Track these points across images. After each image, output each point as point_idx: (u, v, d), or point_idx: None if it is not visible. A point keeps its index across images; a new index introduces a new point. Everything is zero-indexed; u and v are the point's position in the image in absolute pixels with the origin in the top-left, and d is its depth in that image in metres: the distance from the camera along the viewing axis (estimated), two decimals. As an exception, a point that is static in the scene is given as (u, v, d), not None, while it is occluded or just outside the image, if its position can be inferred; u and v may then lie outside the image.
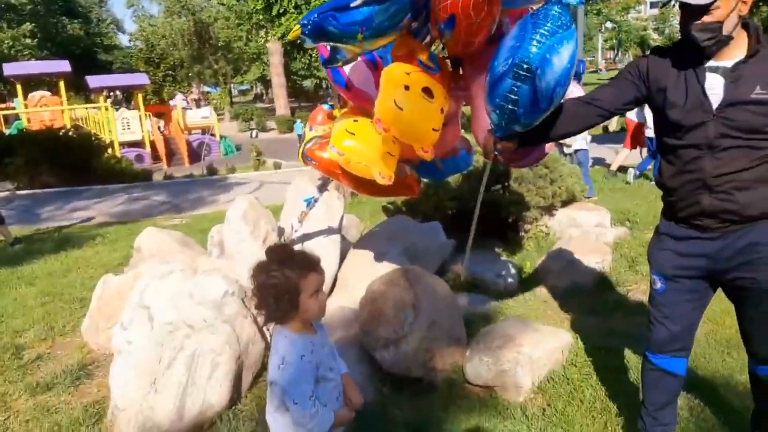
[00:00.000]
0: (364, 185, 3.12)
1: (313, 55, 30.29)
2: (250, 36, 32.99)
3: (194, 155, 20.23)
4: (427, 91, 2.46)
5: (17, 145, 13.23)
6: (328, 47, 2.56)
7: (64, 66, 21.12)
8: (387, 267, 3.85)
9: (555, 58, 2.03)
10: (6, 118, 20.38)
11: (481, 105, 2.56)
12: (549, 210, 5.73)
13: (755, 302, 2.19)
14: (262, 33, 29.80)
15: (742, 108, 2.03)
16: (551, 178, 5.55)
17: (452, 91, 2.67)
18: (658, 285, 2.35)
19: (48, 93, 21.96)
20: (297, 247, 3.34)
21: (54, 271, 6.05)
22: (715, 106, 2.07)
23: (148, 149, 20.01)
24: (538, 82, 2.02)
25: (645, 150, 9.40)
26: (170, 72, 37.86)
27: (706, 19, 2.00)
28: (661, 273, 2.34)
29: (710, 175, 2.11)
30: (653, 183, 7.43)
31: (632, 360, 3.31)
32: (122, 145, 19.49)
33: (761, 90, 2.01)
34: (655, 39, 46.97)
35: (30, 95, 21.10)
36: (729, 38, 2.04)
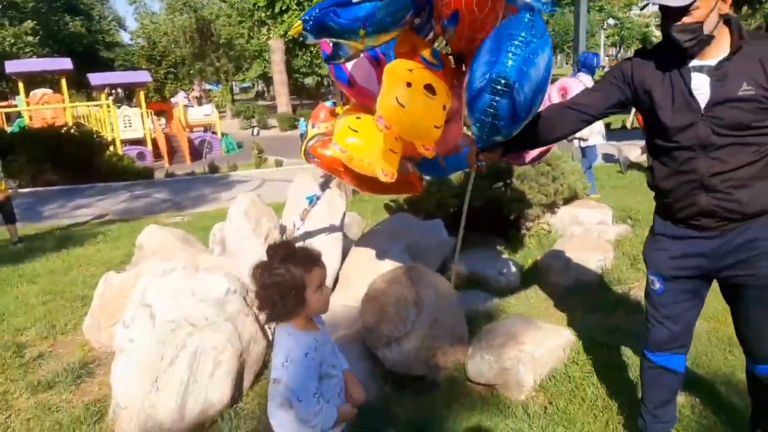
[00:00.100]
0: (367, 183, 3.11)
1: (315, 52, 30.24)
2: (251, 33, 32.92)
3: (196, 153, 20.22)
4: (430, 88, 2.44)
5: (19, 143, 13.25)
6: (331, 43, 2.55)
7: (65, 63, 21.13)
8: (389, 265, 3.84)
9: (532, 69, 2.03)
10: (8, 116, 20.41)
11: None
12: (551, 207, 5.72)
13: (753, 300, 2.18)
14: (264, 30, 29.75)
15: (730, 106, 2.02)
16: (553, 175, 5.54)
17: (455, 88, 2.66)
18: (657, 285, 2.34)
19: (50, 91, 21.98)
20: (298, 244, 3.34)
21: (55, 269, 6.05)
22: (702, 105, 2.06)
23: (149, 147, 20.02)
24: (517, 95, 2.02)
25: None
26: (172, 69, 37.85)
27: (686, 20, 1.99)
28: (659, 273, 2.33)
29: (706, 174, 2.10)
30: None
31: (634, 358, 3.30)
32: (124, 142, 19.51)
33: (747, 86, 2.00)
34: (657, 36, 46.85)
35: (32, 93, 21.12)
36: (710, 37, 2.02)
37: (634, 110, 3.05)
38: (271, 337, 3.53)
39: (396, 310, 3.27)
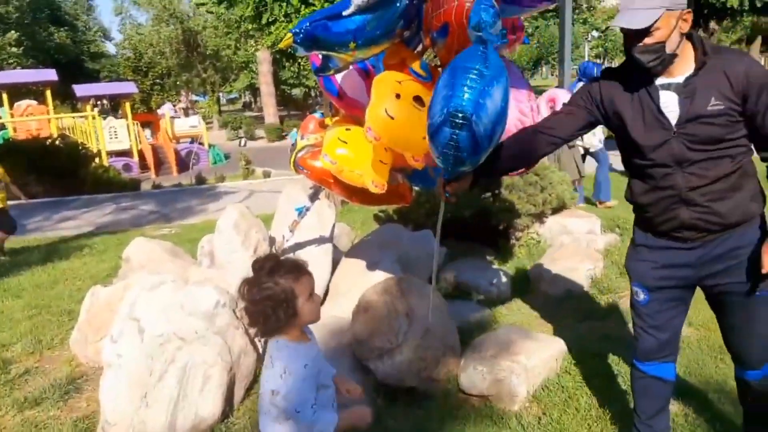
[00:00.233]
0: (357, 194, 3.10)
1: (302, 63, 30.29)
2: (238, 45, 32.95)
3: (183, 164, 20.12)
4: (419, 100, 2.45)
5: (3, 154, 13.06)
6: (320, 56, 2.55)
7: (50, 75, 20.99)
8: (379, 276, 3.83)
9: (488, 101, 2.03)
10: (-8, 128, 20.21)
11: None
12: (539, 217, 5.74)
13: (738, 307, 2.20)
14: (251, 42, 29.77)
15: (701, 122, 2.04)
16: (541, 185, 5.56)
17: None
18: (641, 297, 2.36)
19: (34, 102, 21.79)
20: (287, 255, 3.31)
21: (41, 283, 5.96)
22: (673, 122, 2.08)
23: (136, 158, 19.89)
24: (476, 127, 2.03)
25: None
26: (158, 81, 37.72)
27: (647, 40, 2.00)
28: (642, 284, 2.35)
29: (684, 189, 2.12)
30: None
31: (626, 366, 3.31)
32: (110, 154, 19.35)
33: (716, 101, 2.02)
34: (641, 46, 47.20)
35: (16, 104, 20.93)
36: (674, 56, 2.04)
37: None
38: (261, 350, 3.50)
39: (387, 321, 3.25)
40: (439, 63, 2.75)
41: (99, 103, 24.91)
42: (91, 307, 3.97)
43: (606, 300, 4.47)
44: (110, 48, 49.44)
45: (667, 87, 2.09)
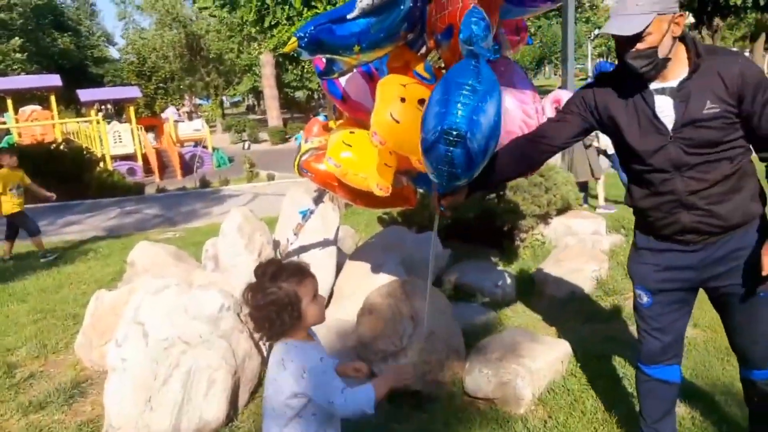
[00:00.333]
0: (361, 197, 3.10)
1: (305, 66, 30.30)
2: (241, 48, 32.98)
3: (187, 168, 20.15)
4: (423, 103, 2.44)
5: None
6: (324, 59, 2.55)
7: (54, 80, 21.01)
8: (384, 278, 3.82)
9: (481, 117, 2.02)
10: (-4, 133, 20.26)
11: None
12: (544, 218, 5.72)
13: (742, 308, 2.19)
14: (254, 45, 29.81)
15: (697, 125, 2.02)
16: (546, 186, 5.54)
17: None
18: (644, 299, 2.35)
19: (39, 107, 21.84)
20: (293, 259, 3.31)
21: (46, 288, 5.98)
22: (670, 127, 2.06)
23: (140, 162, 19.92)
24: (470, 143, 2.02)
25: None
26: (162, 85, 37.79)
27: (639, 46, 1.99)
28: (645, 287, 2.33)
29: (684, 194, 2.11)
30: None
31: (632, 368, 3.28)
32: (114, 158, 19.38)
33: (711, 104, 2.00)
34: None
35: (21, 110, 20.96)
36: (667, 60, 2.02)
37: None
38: (266, 353, 3.49)
39: (392, 324, 3.24)
40: (443, 65, 2.74)
41: (103, 107, 24.93)
42: (96, 311, 3.97)
43: (611, 301, 4.44)
44: (114, 53, 49.62)
45: (661, 91, 2.07)
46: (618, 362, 3.46)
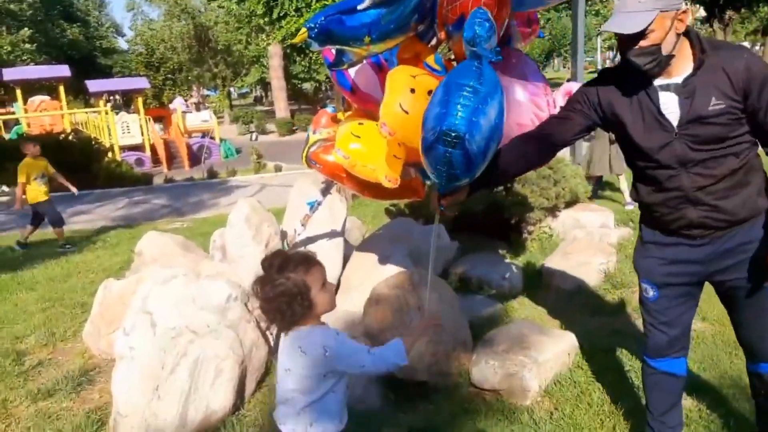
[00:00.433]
0: (369, 188, 3.09)
1: (313, 58, 30.24)
2: (249, 39, 32.93)
3: (194, 158, 20.17)
4: (433, 94, 2.42)
5: (18, 149, 13.17)
6: (334, 50, 2.53)
7: (63, 70, 21.07)
8: (391, 270, 3.82)
9: (482, 119, 2.01)
10: (6, 123, 20.36)
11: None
12: (552, 211, 5.70)
13: (750, 301, 2.18)
14: (262, 36, 29.73)
15: (702, 122, 2.00)
16: (554, 179, 5.52)
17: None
18: (650, 293, 2.34)
19: (48, 98, 21.92)
20: (299, 249, 3.31)
21: (54, 276, 6.02)
22: (675, 124, 2.04)
23: (148, 153, 19.96)
24: (469, 145, 2.01)
25: None
26: (170, 76, 37.83)
27: (642, 43, 1.96)
28: (651, 281, 2.33)
29: (690, 190, 2.10)
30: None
31: (639, 361, 3.28)
32: (122, 149, 19.43)
33: (717, 100, 1.98)
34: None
35: (30, 100, 21.05)
36: (670, 57, 2.00)
37: None
38: (272, 344, 3.51)
39: (399, 315, 3.25)
40: (453, 57, 2.72)
41: (111, 98, 24.97)
42: (104, 300, 4.00)
43: (619, 295, 4.43)
44: (122, 44, 49.70)
45: (666, 88, 2.05)
46: (625, 355, 3.46)
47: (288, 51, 28.84)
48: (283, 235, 4.15)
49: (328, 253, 4.00)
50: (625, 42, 2.00)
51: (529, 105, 2.69)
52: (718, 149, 2.03)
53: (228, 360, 3.11)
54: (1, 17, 34.49)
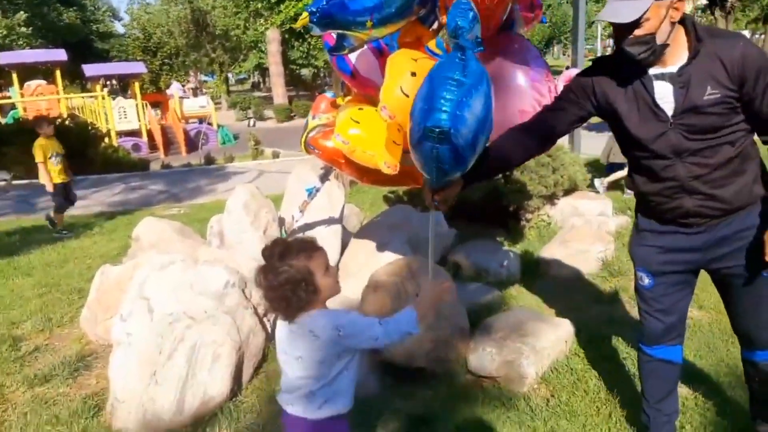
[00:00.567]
0: (368, 174, 3.07)
1: (312, 43, 30.06)
2: (247, 24, 32.71)
3: (192, 144, 20.10)
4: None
5: (13, 134, 13.11)
6: (335, 35, 2.50)
7: (60, 55, 20.96)
8: (389, 257, 3.82)
9: (467, 112, 1.98)
10: (1, 108, 20.25)
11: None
12: (551, 199, 5.69)
13: (746, 289, 2.19)
14: (260, 21, 29.52)
15: (697, 112, 1.99)
16: (553, 166, 5.50)
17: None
18: (646, 281, 2.34)
19: (44, 82, 21.79)
20: (298, 236, 3.30)
21: (51, 262, 6.00)
22: (670, 114, 2.03)
23: (145, 138, 19.90)
24: (455, 140, 1.99)
25: None
26: (167, 61, 37.60)
27: (637, 32, 1.93)
28: (646, 269, 2.32)
29: (686, 180, 2.09)
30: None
31: (636, 348, 3.28)
32: (119, 134, 19.36)
33: (712, 90, 1.96)
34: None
35: (26, 84, 20.94)
36: (665, 46, 1.97)
37: None
38: (270, 330, 3.51)
39: (397, 302, 3.24)
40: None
41: (108, 83, 24.84)
42: (101, 286, 3.99)
43: (616, 283, 4.43)
44: (119, 28, 49.28)
45: (661, 77, 2.03)
46: (621, 343, 3.47)
47: (286, 36, 28.67)
48: (281, 221, 4.14)
49: (326, 240, 3.99)
50: (620, 31, 1.97)
51: (530, 91, 2.67)
52: (713, 138, 2.02)
53: (225, 346, 3.10)
54: (-3, 1, 34.19)
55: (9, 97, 21.08)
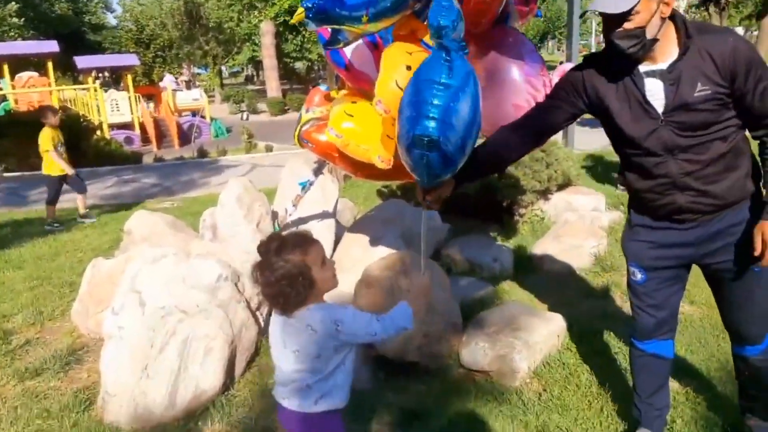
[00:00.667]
0: (362, 169, 3.06)
1: (306, 36, 29.93)
2: (241, 16, 32.53)
3: (184, 137, 19.99)
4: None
5: (5, 126, 13.02)
6: (329, 29, 2.49)
7: (52, 46, 20.76)
8: (382, 251, 3.81)
9: (454, 118, 1.98)
10: (-7, 99, 20.08)
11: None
12: (544, 194, 5.69)
13: (737, 284, 2.20)
14: (254, 13, 29.36)
15: (688, 109, 1.98)
16: (547, 161, 5.50)
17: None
18: (638, 276, 2.35)
19: (36, 74, 21.60)
20: (292, 230, 3.29)
21: (42, 255, 5.97)
22: (660, 111, 2.02)
23: (137, 131, 19.77)
24: (445, 147, 1.99)
25: None
26: (160, 53, 37.36)
27: (627, 25, 1.92)
28: (639, 264, 2.33)
29: (678, 176, 2.09)
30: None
31: (627, 343, 3.29)
32: (111, 126, 19.22)
33: (702, 86, 1.95)
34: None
35: (17, 76, 20.75)
36: (654, 41, 1.96)
37: None
38: (263, 323, 3.50)
39: (390, 297, 3.23)
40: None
41: (100, 75, 24.63)
42: (93, 279, 3.97)
43: (609, 278, 4.45)
44: (111, 20, 48.89)
45: (651, 74, 2.02)
46: (613, 337, 3.48)
47: (280, 29, 28.54)
48: (275, 215, 4.12)
49: (320, 234, 3.97)
50: (610, 23, 1.95)
51: (525, 85, 2.67)
52: (704, 135, 2.02)
53: (217, 339, 3.09)
54: (-13, -9, 33.85)
55: (0, 89, 20.89)
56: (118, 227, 6.20)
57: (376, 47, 2.81)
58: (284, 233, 1.88)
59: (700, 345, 3.35)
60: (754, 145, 2.15)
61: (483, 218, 5.64)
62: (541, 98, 2.58)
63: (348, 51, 2.89)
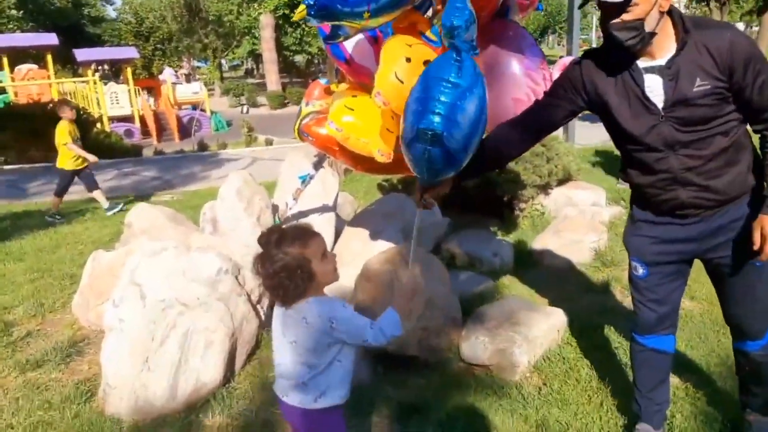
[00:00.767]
0: (362, 162, 3.06)
1: (305, 29, 29.82)
2: (241, 9, 32.40)
3: (184, 131, 19.95)
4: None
5: (4, 119, 12.99)
6: (330, 24, 2.48)
7: (51, 39, 20.68)
8: (382, 245, 3.81)
9: (460, 116, 1.98)
10: (-8, 92, 20.02)
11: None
12: (545, 189, 5.69)
13: (739, 279, 2.20)
14: (254, 6, 29.24)
15: (688, 104, 1.98)
16: (547, 156, 5.50)
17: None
18: (640, 271, 2.35)
19: (35, 66, 21.54)
20: (291, 223, 3.29)
21: (43, 247, 5.97)
22: (660, 106, 2.02)
23: (137, 124, 19.74)
24: (448, 143, 1.98)
25: None
26: (160, 46, 37.26)
27: (625, 17, 1.91)
28: (641, 259, 2.33)
29: (679, 172, 2.08)
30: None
31: (628, 338, 3.30)
32: (111, 119, 19.19)
33: (701, 81, 1.95)
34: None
35: (17, 68, 20.67)
36: (653, 35, 1.95)
37: None
38: (263, 316, 3.50)
39: (390, 291, 3.23)
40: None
41: (100, 68, 24.54)
42: (93, 272, 3.97)
43: (609, 273, 4.45)
44: (111, 12, 48.73)
45: (651, 70, 2.01)
46: (613, 332, 3.48)
47: (280, 22, 28.44)
48: (275, 209, 4.12)
49: (320, 228, 3.95)
50: (608, 14, 1.94)
51: (525, 79, 2.66)
52: (705, 130, 2.01)
53: (218, 332, 3.10)
54: (-14, -17, 33.70)
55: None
56: (119, 220, 6.20)
57: (376, 41, 2.80)
58: (285, 226, 1.89)
59: (700, 340, 3.36)
60: (756, 139, 2.15)
61: (483, 213, 5.64)
62: (540, 92, 2.57)
63: (348, 45, 2.88)
